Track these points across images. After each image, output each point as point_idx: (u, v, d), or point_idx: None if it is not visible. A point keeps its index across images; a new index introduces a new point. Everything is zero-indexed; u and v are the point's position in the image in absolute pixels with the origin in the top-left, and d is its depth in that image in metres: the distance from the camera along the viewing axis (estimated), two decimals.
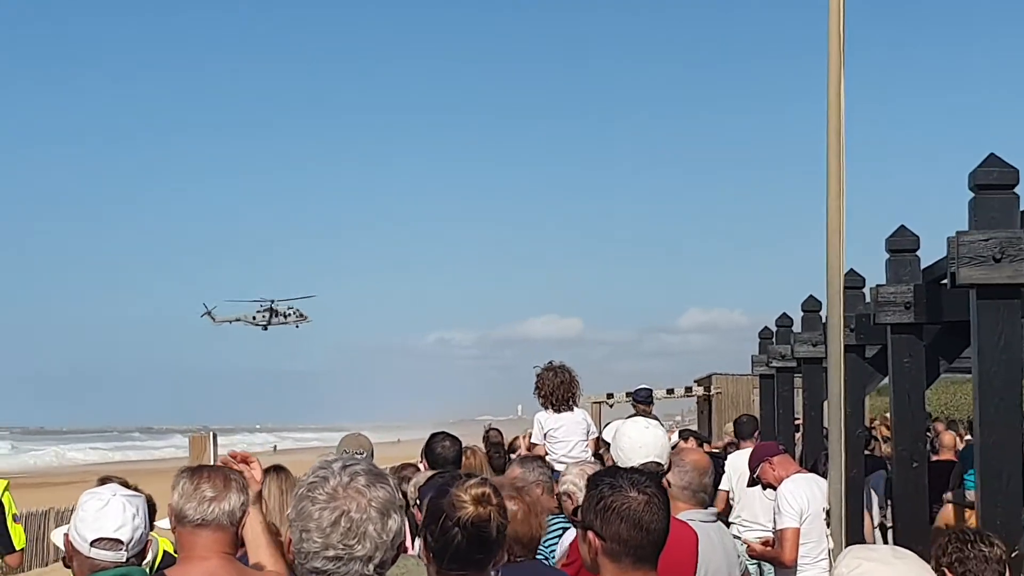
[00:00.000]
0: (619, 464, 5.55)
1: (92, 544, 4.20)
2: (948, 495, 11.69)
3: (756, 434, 13.03)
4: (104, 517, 4.23)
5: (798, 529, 8.50)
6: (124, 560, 4.19)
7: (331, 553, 2.83)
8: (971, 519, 12.84)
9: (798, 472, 8.98)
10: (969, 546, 5.09)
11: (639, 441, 5.71)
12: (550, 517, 6.31)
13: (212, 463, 12.82)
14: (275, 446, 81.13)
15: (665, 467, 5.73)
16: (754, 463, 9.09)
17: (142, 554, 4.32)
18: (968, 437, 15.98)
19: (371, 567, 2.86)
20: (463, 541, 3.57)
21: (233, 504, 4.30)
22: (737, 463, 11.77)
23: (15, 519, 8.95)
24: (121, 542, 4.20)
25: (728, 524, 10.51)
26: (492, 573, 3.87)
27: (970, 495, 13.65)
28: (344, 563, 2.83)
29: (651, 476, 4.04)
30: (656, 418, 8.93)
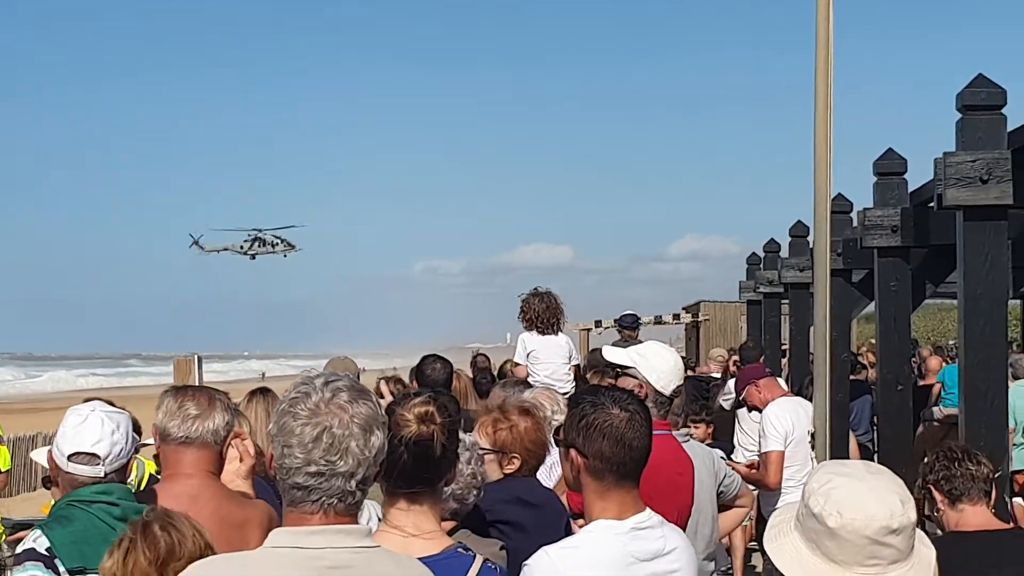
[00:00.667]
0: (655, 385, 5.53)
1: (69, 458, 4.19)
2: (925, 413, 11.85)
3: (761, 359, 13.05)
4: (82, 432, 4.21)
5: (783, 452, 8.55)
6: (102, 475, 4.17)
7: (313, 469, 2.80)
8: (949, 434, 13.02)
9: (784, 395, 9.02)
10: (956, 464, 5.07)
11: (677, 364, 5.69)
12: None
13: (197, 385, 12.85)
14: (263, 373, 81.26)
15: (679, 388, 5.74)
16: (740, 386, 9.13)
17: (124, 472, 4.31)
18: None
19: (353, 483, 2.83)
20: (408, 460, 3.57)
21: (218, 423, 4.30)
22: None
23: (0, 441, 8.96)
24: (98, 456, 4.18)
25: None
26: (445, 490, 3.88)
27: (940, 411, 13.79)
28: (326, 479, 2.81)
29: (632, 394, 4.03)
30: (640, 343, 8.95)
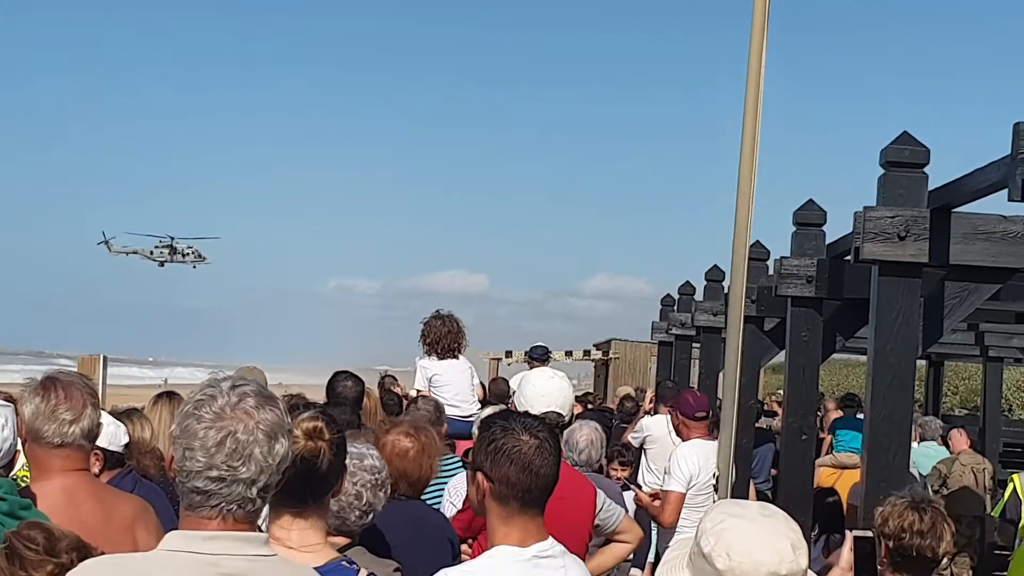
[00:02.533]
0: (521, 408, 5.54)
1: None
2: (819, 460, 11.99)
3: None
4: None
5: (683, 494, 8.54)
6: None
7: (214, 473, 2.75)
8: (840, 479, 13.19)
9: (701, 438, 8.94)
10: (919, 536, 4.84)
11: (542, 390, 5.69)
12: (444, 458, 6.28)
13: (102, 386, 12.64)
14: (166, 379, 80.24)
15: (566, 418, 5.71)
16: (681, 409, 8.98)
17: (10, 466, 4.23)
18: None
19: (254, 490, 2.78)
20: (295, 475, 3.49)
21: (92, 421, 4.26)
22: (651, 425, 11.73)
23: None
24: None
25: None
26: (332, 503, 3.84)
27: (840, 457, 13.94)
28: (227, 484, 2.75)
29: (543, 421, 4.01)
30: None
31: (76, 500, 4.13)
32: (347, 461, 3.88)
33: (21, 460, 4.57)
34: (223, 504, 2.76)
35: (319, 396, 9.38)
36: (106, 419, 5.48)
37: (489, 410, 8.20)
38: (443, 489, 6.48)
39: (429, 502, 5.63)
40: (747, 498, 10.76)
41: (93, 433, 4.28)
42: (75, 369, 13.57)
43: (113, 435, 5.71)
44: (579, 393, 20.71)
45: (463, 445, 7.87)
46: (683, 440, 8.97)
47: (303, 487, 3.59)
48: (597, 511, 5.67)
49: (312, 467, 3.61)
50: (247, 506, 2.79)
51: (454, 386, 10.44)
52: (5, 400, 4.34)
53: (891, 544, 4.93)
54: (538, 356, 14.09)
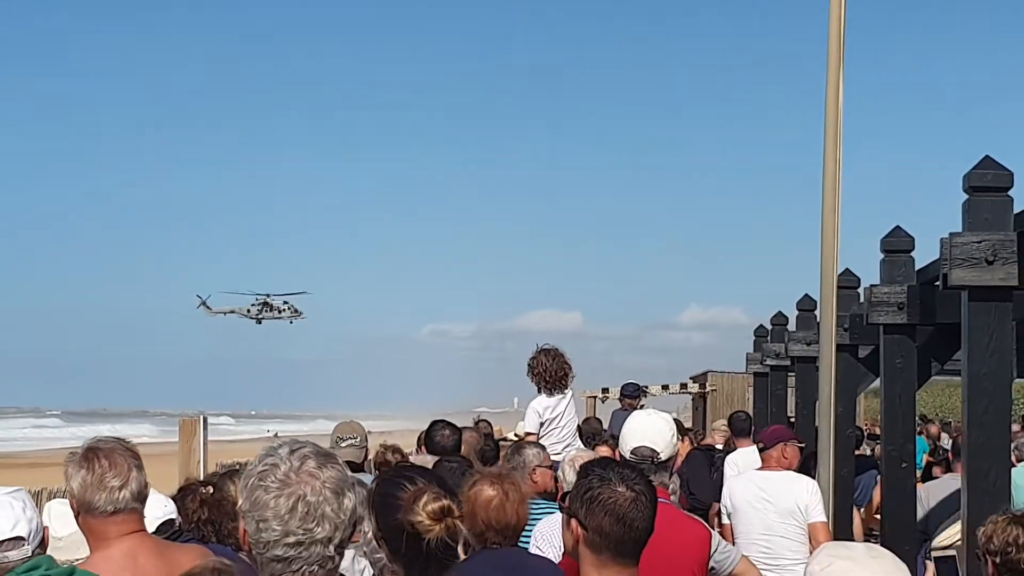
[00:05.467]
0: (620, 449, 5.64)
1: None
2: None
3: (752, 432, 12.98)
4: None
5: (728, 525, 8.43)
6: (29, 554, 4.17)
7: (291, 539, 2.82)
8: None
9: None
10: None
11: (637, 427, 5.78)
12: (538, 500, 6.30)
13: (202, 446, 12.87)
14: (275, 432, 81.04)
15: (661, 454, 5.75)
16: (769, 441, 8.80)
17: (43, 543, 4.33)
18: None
19: (332, 548, 2.87)
20: (435, 554, 3.54)
21: (140, 483, 4.32)
22: (741, 462, 11.68)
23: None
24: (23, 538, 4.19)
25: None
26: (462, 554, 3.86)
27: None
28: (305, 547, 2.83)
29: (641, 473, 4.05)
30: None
31: (139, 561, 4.22)
32: None
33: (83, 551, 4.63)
34: (304, 567, 2.84)
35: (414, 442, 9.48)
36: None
37: (575, 451, 8.25)
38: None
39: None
40: (852, 528, 10.69)
41: (143, 494, 4.36)
42: (176, 431, 13.85)
43: (158, 506, 5.81)
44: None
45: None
46: (780, 468, 8.85)
47: (441, 561, 3.59)
48: (712, 552, 5.67)
49: (452, 547, 3.60)
50: (327, 564, 2.87)
51: (563, 428, 10.53)
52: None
53: (997, 560, 4.91)
54: (629, 393, 14.12)
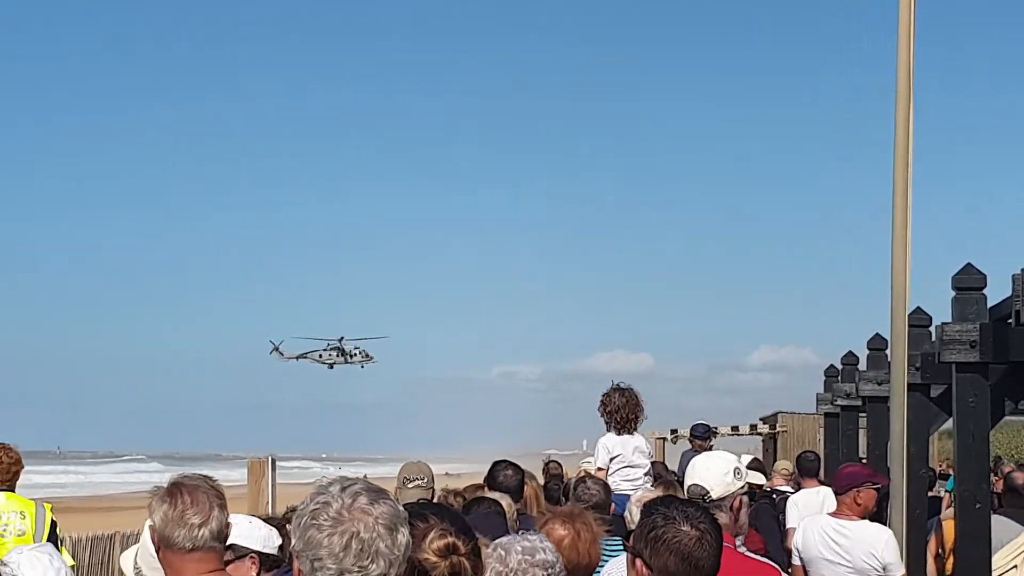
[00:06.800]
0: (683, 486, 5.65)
1: None
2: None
3: (820, 473, 12.84)
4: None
5: (799, 566, 8.28)
6: None
7: None
8: None
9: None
10: None
11: (692, 466, 5.78)
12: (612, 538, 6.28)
13: (271, 486, 12.97)
14: (340, 469, 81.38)
15: (712, 492, 5.72)
16: (843, 486, 8.57)
17: None
18: None
19: None
20: None
21: (220, 523, 4.37)
22: (801, 503, 11.57)
23: (60, 543, 9.06)
24: None
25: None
26: None
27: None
28: None
29: (706, 511, 4.02)
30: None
31: None
32: (519, 557, 3.93)
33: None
34: None
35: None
36: (258, 523, 5.64)
37: (641, 491, 8.22)
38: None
39: None
40: (925, 571, 10.52)
41: (223, 534, 4.40)
42: (245, 472, 13.96)
43: (267, 538, 5.86)
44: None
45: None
46: (857, 515, 8.68)
47: None
48: None
49: None
50: None
51: (634, 468, 10.49)
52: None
53: None
54: (699, 434, 14.06)
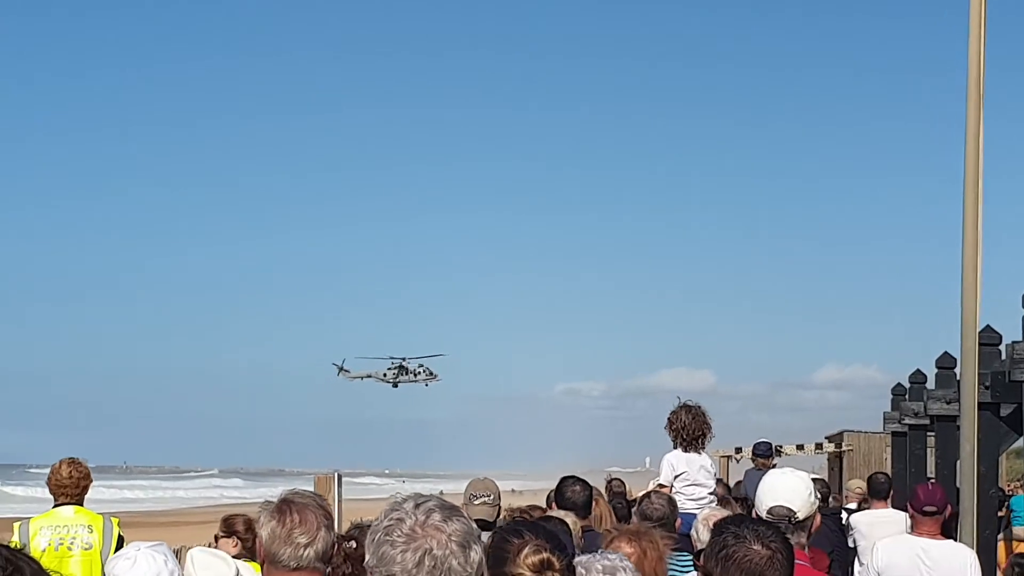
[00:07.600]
0: (756, 509, 5.56)
1: None
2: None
3: (891, 494, 12.70)
4: (137, 573, 4.34)
5: None
6: None
7: None
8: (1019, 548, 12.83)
9: (928, 535, 8.55)
10: None
11: (772, 485, 5.67)
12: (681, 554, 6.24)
13: (337, 502, 13.00)
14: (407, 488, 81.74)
15: (799, 513, 5.66)
16: (910, 503, 8.51)
17: None
18: None
19: None
20: None
21: (326, 544, 4.37)
22: (860, 522, 11.45)
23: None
24: None
25: None
26: None
27: (1017, 531, 13.59)
28: None
29: (777, 530, 4.01)
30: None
31: None
32: None
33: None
34: None
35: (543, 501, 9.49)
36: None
37: (709, 510, 8.17)
38: None
39: None
40: None
41: (327, 555, 4.39)
42: (311, 488, 14.01)
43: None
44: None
45: None
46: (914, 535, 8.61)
47: None
48: None
49: None
50: None
51: (699, 487, 10.43)
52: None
53: None
54: (762, 452, 13.97)
